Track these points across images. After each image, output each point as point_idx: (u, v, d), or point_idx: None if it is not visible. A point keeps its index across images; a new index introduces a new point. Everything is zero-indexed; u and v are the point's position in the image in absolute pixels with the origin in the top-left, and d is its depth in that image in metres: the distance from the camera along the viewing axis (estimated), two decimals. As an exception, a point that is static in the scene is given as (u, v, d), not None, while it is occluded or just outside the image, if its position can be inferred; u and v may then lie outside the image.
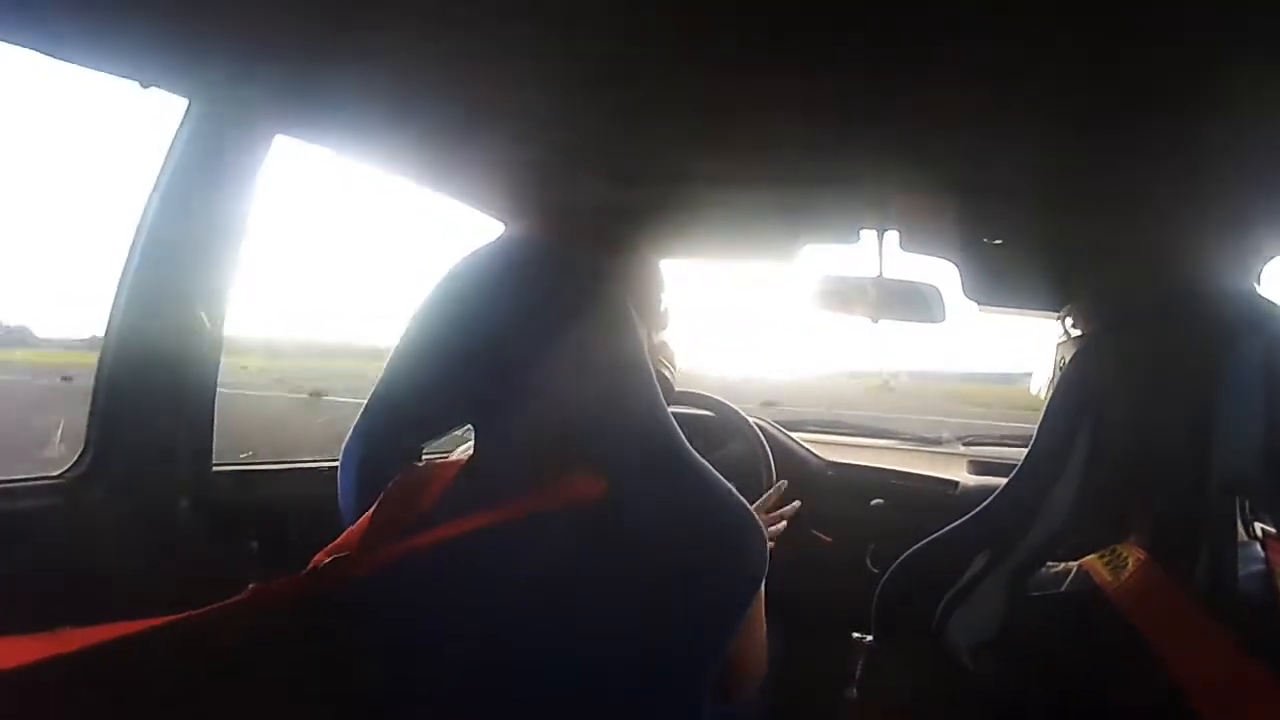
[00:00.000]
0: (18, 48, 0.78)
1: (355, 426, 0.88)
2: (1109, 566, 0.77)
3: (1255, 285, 1.28)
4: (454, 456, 0.91)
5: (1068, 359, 0.87)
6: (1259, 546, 0.75)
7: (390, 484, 0.81)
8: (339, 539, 0.77)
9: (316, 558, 0.73)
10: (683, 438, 0.83)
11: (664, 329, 1.03)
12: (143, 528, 0.93)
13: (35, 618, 0.55)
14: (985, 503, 0.85)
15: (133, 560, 0.91)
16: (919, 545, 0.87)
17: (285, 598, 0.68)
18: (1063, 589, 0.78)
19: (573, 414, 0.80)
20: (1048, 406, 0.83)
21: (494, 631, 0.83)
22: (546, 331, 0.81)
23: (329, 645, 0.91)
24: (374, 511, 0.78)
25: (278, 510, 1.10)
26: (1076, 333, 1.04)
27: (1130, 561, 0.76)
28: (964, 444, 2.13)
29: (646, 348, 1.00)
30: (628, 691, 0.81)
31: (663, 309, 1.01)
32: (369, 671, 0.89)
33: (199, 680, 0.90)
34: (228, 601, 0.65)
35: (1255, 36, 0.71)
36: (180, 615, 0.63)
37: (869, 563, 1.69)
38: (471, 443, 0.87)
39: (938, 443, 2.14)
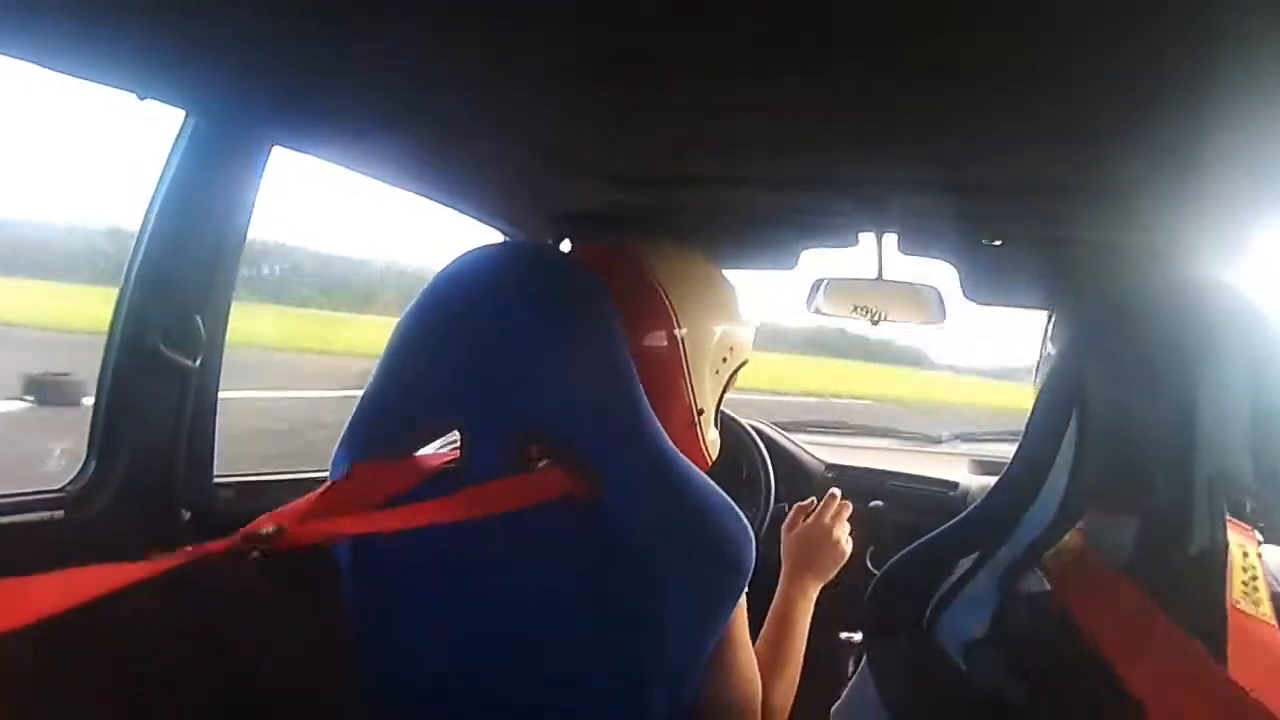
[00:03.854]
0: (15, 60, 0.78)
1: (343, 434, 0.88)
2: (1054, 555, 0.77)
3: (1242, 281, 1.28)
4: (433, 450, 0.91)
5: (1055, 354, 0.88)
6: None
7: (347, 470, 0.81)
8: (277, 510, 0.75)
9: (252, 525, 0.70)
10: (669, 441, 0.83)
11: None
12: (144, 540, 0.93)
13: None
14: (975, 502, 0.85)
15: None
16: (911, 546, 0.88)
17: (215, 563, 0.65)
18: (1049, 586, 0.79)
19: (559, 418, 0.80)
20: (1035, 403, 0.83)
21: (472, 626, 0.83)
22: (534, 337, 0.81)
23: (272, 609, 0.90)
24: (322, 492, 0.77)
25: None
26: (1063, 328, 1.04)
27: (1070, 547, 0.77)
28: (963, 441, 2.14)
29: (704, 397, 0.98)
30: (612, 689, 0.81)
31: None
32: (320, 641, 0.88)
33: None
34: (164, 561, 0.62)
35: (1251, 34, 0.71)
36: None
37: (868, 564, 1.69)
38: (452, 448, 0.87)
39: (937, 441, 2.15)
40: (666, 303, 0.95)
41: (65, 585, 0.56)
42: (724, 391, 1.03)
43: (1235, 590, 0.70)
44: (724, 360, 1.00)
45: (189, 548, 0.65)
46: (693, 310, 0.96)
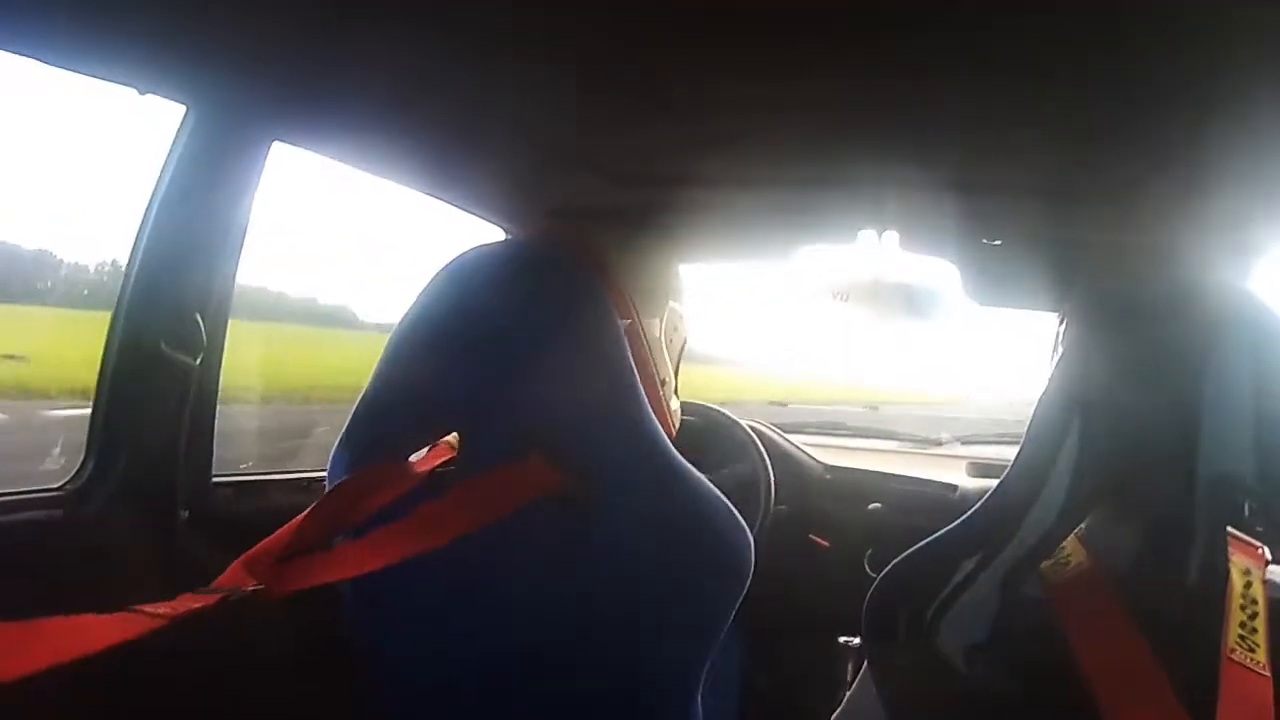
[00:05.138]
0: (13, 54, 0.77)
1: (341, 436, 0.87)
2: (1052, 566, 0.77)
3: (1245, 282, 1.28)
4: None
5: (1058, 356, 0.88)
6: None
7: (337, 484, 0.81)
8: (270, 539, 0.75)
9: (237, 563, 0.71)
10: (669, 445, 0.83)
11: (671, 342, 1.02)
12: (143, 539, 0.93)
13: None
14: (977, 504, 0.85)
15: (133, 572, 0.90)
16: (911, 550, 0.87)
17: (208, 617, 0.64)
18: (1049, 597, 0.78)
19: (558, 421, 0.80)
20: (1037, 405, 0.83)
21: (471, 632, 0.82)
22: (532, 338, 0.81)
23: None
24: (307, 516, 0.77)
25: (278, 520, 1.09)
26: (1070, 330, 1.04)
27: (1072, 560, 0.77)
28: (963, 443, 2.13)
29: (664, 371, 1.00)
30: (614, 694, 0.81)
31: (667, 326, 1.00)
32: (328, 682, 0.88)
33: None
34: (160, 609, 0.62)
35: (1252, 35, 0.71)
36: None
37: (867, 567, 1.69)
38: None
39: (938, 444, 2.14)
40: (622, 284, 0.95)
41: (67, 632, 0.55)
42: (678, 363, 1.06)
43: (1232, 635, 0.69)
44: (675, 330, 1.03)
45: (165, 606, 0.63)
46: (645, 289, 0.98)
